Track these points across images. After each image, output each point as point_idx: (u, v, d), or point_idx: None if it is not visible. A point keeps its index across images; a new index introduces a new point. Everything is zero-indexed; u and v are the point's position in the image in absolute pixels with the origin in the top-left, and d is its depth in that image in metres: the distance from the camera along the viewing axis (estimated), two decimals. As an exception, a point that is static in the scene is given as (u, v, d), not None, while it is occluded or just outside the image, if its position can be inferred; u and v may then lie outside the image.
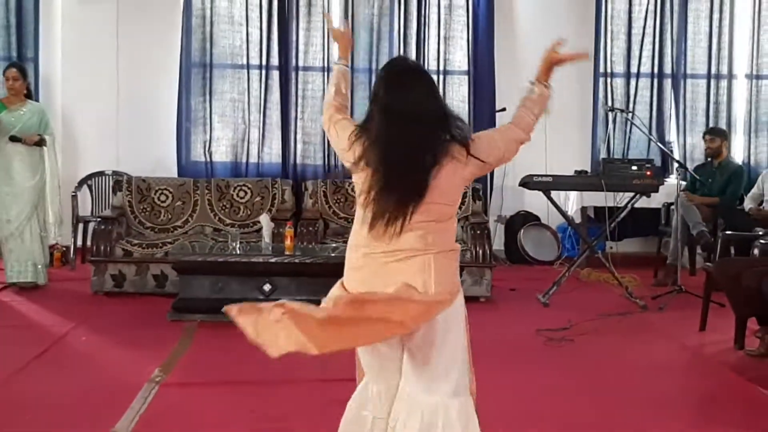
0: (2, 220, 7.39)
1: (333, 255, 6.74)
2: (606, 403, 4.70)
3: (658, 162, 8.94)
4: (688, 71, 9.42)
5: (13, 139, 7.31)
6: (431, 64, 9.22)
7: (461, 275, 7.04)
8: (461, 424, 2.92)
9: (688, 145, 9.41)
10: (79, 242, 8.65)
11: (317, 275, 6.28)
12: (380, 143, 2.84)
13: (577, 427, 4.31)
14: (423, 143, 2.82)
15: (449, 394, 2.92)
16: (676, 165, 8.25)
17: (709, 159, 8.49)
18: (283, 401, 4.60)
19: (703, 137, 8.55)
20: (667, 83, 9.41)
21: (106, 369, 5.22)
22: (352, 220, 7.75)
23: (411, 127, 2.82)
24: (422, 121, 2.84)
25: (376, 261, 2.89)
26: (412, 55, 9.16)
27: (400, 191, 2.81)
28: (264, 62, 9.10)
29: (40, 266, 7.44)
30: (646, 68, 9.38)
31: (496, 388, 4.92)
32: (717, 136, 8.39)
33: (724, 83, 9.38)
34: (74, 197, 8.67)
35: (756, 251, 6.46)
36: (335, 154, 9.08)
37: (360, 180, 2.91)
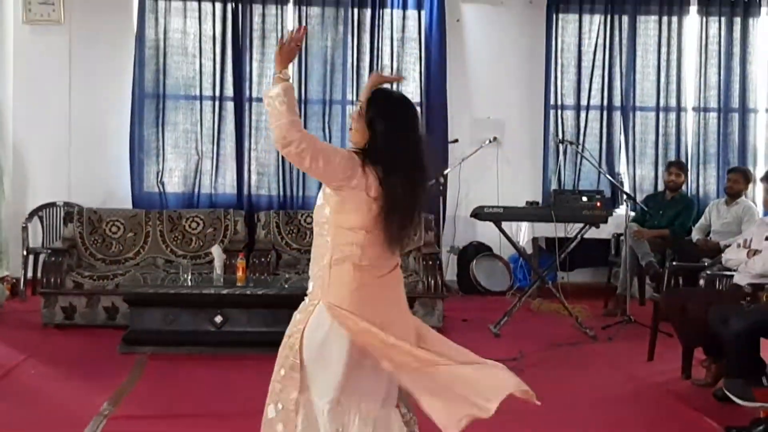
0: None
1: (286, 286, 6.76)
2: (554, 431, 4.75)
3: (608, 193, 9.07)
4: (638, 104, 9.56)
5: None
6: (384, 96, 9.28)
7: (413, 306, 7.12)
8: None
9: (638, 176, 9.54)
10: (30, 274, 8.56)
11: (269, 306, 6.30)
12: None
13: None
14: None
15: None
16: (624, 197, 8.36)
17: (662, 190, 8.61)
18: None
19: (668, 168, 8.63)
20: (617, 115, 9.54)
21: (54, 402, 5.19)
22: (305, 251, 7.72)
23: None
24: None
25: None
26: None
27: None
28: (218, 93, 9.11)
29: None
30: (596, 101, 9.52)
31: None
32: (683, 171, 8.52)
33: (672, 116, 9.53)
34: (25, 228, 8.58)
35: (702, 282, 6.57)
36: (290, 184, 9.13)
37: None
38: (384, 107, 3.25)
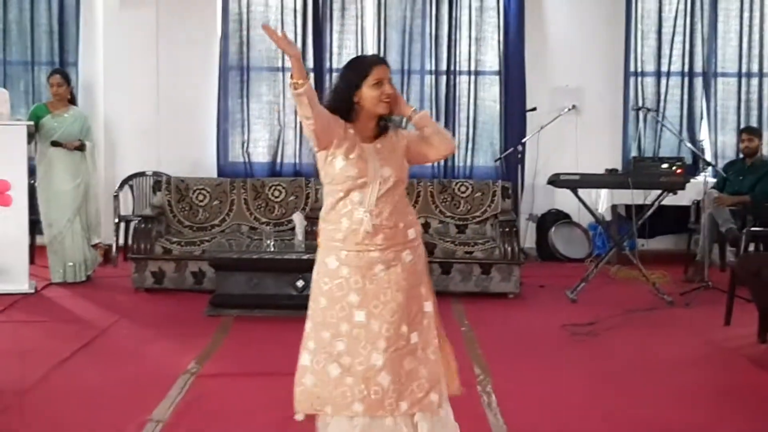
0: (46, 223, 7.69)
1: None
2: (626, 394, 4.83)
3: (689, 160, 9.01)
4: (719, 70, 9.49)
5: (54, 143, 7.58)
6: (462, 65, 9.41)
7: (490, 272, 7.26)
8: None
9: (719, 143, 9.48)
10: (121, 241, 8.91)
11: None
12: None
13: (595, 420, 4.43)
14: None
15: None
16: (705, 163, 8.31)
17: (741, 157, 8.54)
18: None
19: (740, 136, 8.59)
20: (698, 82, 9.48)
21: (146, 360, 5.45)
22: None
23: None
24: None
25: None
26: (444, 56, 9.35)
27: None
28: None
29: (82, 266, 7.73)
30: (676, 67, 9.46)
31: (518, 379, 5.10)
32: (756, 135, 8.41)
33: (755, 81, 9.44)
34: (116, 197, 8.94)
35: (781, 246, 6.54)
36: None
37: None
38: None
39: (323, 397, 3.41)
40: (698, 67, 9.46)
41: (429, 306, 3.50)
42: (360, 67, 3.45)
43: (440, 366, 3.45)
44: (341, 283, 3.39)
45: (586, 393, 4.86)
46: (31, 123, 7.48)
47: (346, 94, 3.44)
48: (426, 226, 7.98)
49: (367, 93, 3.39)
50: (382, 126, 3.48)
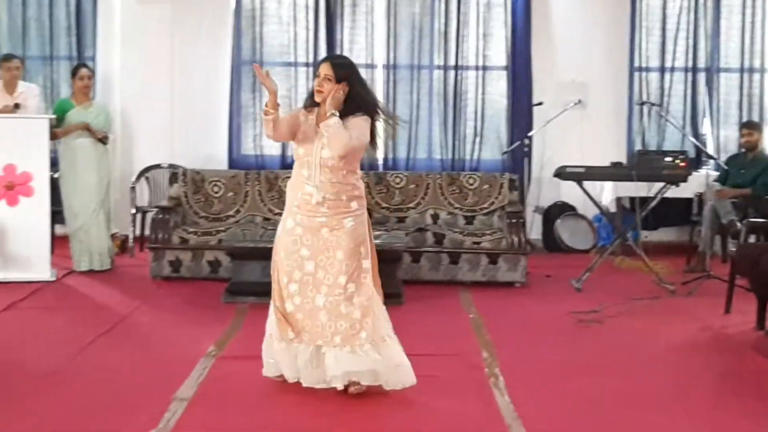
0: (70, 213, 7.92)
1: (376, 242, 7.10)
2: (629, 378, 5.01)
3: (692, 154, 9.20)
4: (722, 65, 9.67)
5: (86, 128, 7.82)
6: (470, 60, 9.62)
7: (497, 262, 7.45)
8: None
9: (722, 137, 9.66)
10: (138, 231, 9.13)
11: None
12: None
13: (599, 401, 4.61)
14: None
15: None
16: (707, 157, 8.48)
17: (743, 151, 8.72)
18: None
19: (740, 130, 8.78)
20: (701, 77, 9.66)
21: (167, 344, 5.68)
22: (394, 209, 8.25)
23: None
24: None
25: None
26: (452, 52, 9.56)
27: None
28: (311, 59, 9.53)
29: (105, 256, 7.96)
30: (680, 63, 9.65)
31: (524, 361, 5.31)
32: (755, 130, 8.59)
33: (756, 77, 9.65)
34: (133, 189, 9.15)
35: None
36: (378, 145, 9.51)
37: None
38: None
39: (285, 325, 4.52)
40: (701, 62, 9.64)
41: (367, 263, 4.50)
42: (317, 64, 4.44)
43: (372, 311, 4.41)
44: (296, 239, 4.48)
45: (591, 374, 5.04)
46: (53, 116, 7.69)
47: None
48: (435, 217, 8.20)
49: (314, 83, 4.47)
50: (330, 115, 4.36)
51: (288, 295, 4.52)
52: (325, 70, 4.42)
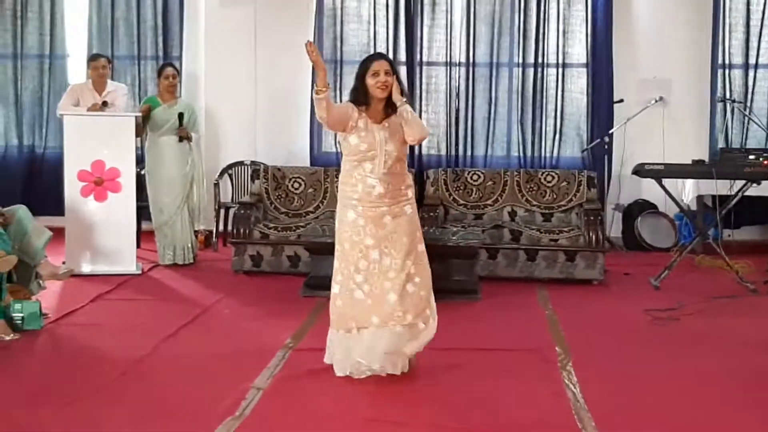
0: (156, 209, 8.17)
1: (453, 238, 7.18)
2: (705, 373, 4.98)
3: (778, 152, 9.03)
4: (809, 61, 9.46)
5: (180, 117, 8.08)
6: (550, 58, 9.59)
7: (575, 259, 7.43)
8: None
9: (809, 135, 9.46)
10: (221, 227, 9.35)
11: (438, 257, 6.72)
12: None
13: (670, 397, 4.59)
14: None
15: None
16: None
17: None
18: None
19: None
20: (787, 73, 9.48)
21: (246, 335, 5.83)
22: (471, 206, 8.34)
23: None
24: None
25: None
26: (531, 49, 9.55)
27: None
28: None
29: (188, 250, 8.19)
30: (764, 59, 9.46)
31: (598, 358, 5.31)
32: None
33: None
34: (216, 185, 9.36)
35: None
36: (459, 143, 9.59)
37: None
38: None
39: (348, 315, 4.71)
40: (787, 58, 9.46)
41: (422, 247, 4.77)
42: (364, 63, 4.73)
43: (431, 290, 4.74)
44: (359, 230, 4.67)
45: (666, 372, 5.01)
46: (139, 114, 7.92)
47: (357, 84, 4.74)
48: (512, 214, 8.24)
49: (369, 81, 4.65)
50: (389, 111, 4.66)
51: (356, 285, 4.70)
52: (385, 66, 4.66)
